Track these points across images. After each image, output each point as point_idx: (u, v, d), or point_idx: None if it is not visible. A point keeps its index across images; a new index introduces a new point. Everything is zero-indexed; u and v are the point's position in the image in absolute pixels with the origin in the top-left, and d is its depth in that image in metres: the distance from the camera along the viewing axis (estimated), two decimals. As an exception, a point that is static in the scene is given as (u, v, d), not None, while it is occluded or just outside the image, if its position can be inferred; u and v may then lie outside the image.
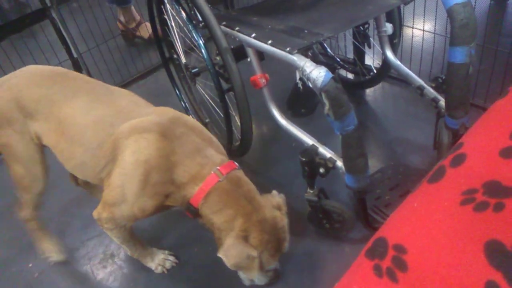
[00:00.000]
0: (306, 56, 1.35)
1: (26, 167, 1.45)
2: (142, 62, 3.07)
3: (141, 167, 1.20)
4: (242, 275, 1.34)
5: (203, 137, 1.31)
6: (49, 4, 2.51)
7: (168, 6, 1.86)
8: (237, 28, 1.56)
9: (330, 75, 1.20)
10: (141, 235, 1.54)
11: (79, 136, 1.30)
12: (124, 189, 1.23)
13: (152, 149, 1.20)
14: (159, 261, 1.58)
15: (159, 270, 1.58)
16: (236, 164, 1.30)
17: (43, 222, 1.68)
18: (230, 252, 1.19)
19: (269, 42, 1.40)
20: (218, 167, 1.24)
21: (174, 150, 1.22)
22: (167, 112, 1.33)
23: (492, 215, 0.78)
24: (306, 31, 1.41)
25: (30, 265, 1.79)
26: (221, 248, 1.20)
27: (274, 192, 1.35)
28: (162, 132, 1.23)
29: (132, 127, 1.24)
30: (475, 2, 1.82)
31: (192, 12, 1.70)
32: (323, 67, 1.22)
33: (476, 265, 0.72)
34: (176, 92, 2.40)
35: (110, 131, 1.26)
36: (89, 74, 2.78)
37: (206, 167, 1.23)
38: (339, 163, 1.40)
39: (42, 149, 1.45)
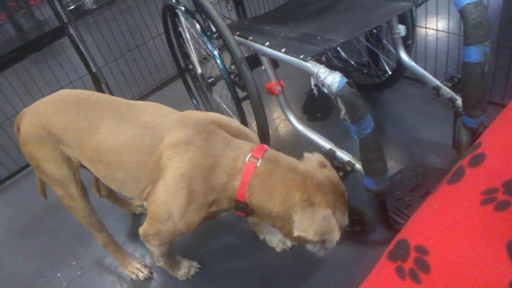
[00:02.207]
0: (320, 61, 1.37)
1: (62, 187, 1.49)
2: (158, 73, 3.13)
3: (180, 182, 1.19)
4: (315, 248, 1.23)
5: (230, 130, 1.28)
6: (66, 21, 2.58)
7: (182, 18, 1.90)
8: (250, 38, 1.59)
9: (345, 80, 1.21)
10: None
11: (115, 161, 1.30)
12: (169, 206, 1.23)
13: (185, 161, 1.19)
14: (185, 268, 1.61)
15: (184, 277, 1.61)
16: (267, 146, 1.27)
17: (119, 245, 1.73)
18: (305, 223, 1.12)
19: (283, 50, 1.42)
20: (250, 154, 1.20)
21: (206, 154, 1.19)
22: (191, 116, 1.30)
23: (513, 214, 0.78)
24: (318, 37, 1.43)
25: (59, 275, 1.84)
26: (295, 228, 1.13)
27: (307, 154, 1.29)
28: (190, 140, 1.21)
29: (165, 145, 1.23)
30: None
31: (206, 23, 1.74)
32: (337, 72, 1.24)
33: (499, 264, 0.72)
34: (193, 102, 2.44)
35: (144, 150, 1.26)
36: (108, 87, 2.85)
37: (239, 159, 1.20)
38: (358, 166, 1.41)
39: (77, 170, 1.48)
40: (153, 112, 1.35)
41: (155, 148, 1.25)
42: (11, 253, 2.10)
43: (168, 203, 1.23)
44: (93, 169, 1.40)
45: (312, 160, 1.26)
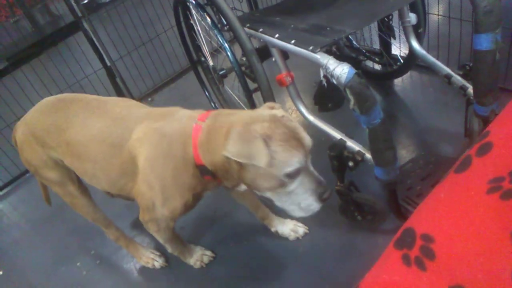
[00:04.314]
0: (330, 51, 1.37)
1: (61, 187, 1.56)
2: (171, 66, 3.16)
3: (146, 166, 1.24)
4: (290, 206, 1.17)
5: (191, 112, 1.29)
6: (80, 15, 2.62)
7: (193, 11, 1.92)
8: (260, 30, 1.60)
9: (354, 71, 1.22)
10: (180, 232, 1.61)
11: (85, 153, 1.36)
12: (148, 194, 1.28)
13: (145, 145, 1.24)
14: (198, 256, 1.66)
15: (197, 265, 1.65)
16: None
17: (130, 238, 1.80)
18: (231, 143, 1.06)
19: (292, 41, 1.43)
20: (197, 119, 1.21)
21: (162, 134, 1.23)
22: (157, 110, 1.34)
23: (519, 203, 0.79)
24: (328, 28, 1.43)
25: (78, 264, 1.91)
26: (223, 149, 1.08)
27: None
28: (148, 126, 1.25)
29: (134, 136, 1.27)
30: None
31: (217, 16, 1.75)
32: (346, 63, 1.24)
33: (503, 252, 0.74)
34: (205, 93, 2.46)
35: (110, 141, 1.31)
36: (122, 81, 2.89)
37: (187, 125, 1.21)
38: (368, 156, 1.41)
39: (70, 170, 1.52)
40: (122, 105, 1.40)
41: (123, 139, 1.28)
42: (33, 242, 2.18)
43: (147, 191, 1.27)
44: (69, 163, 1.45)
45: (261, 107, 1.24)
